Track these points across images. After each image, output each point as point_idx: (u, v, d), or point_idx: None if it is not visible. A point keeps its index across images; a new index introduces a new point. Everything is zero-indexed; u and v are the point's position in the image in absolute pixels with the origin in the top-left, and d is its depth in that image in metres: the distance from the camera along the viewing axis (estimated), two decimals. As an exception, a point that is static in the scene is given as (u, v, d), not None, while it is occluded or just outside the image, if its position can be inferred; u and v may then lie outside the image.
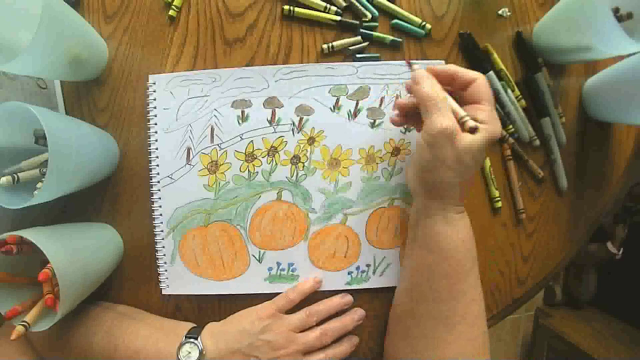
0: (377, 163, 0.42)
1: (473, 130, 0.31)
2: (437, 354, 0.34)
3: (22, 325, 0.32)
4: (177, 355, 0.36)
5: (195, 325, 0.40)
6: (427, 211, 0.35)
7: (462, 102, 0.34)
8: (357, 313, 0.42)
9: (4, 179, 0.33)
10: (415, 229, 0.37)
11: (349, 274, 0.43)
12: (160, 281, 0.42)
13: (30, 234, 0.31)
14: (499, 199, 0.43)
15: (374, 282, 0.43)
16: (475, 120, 0.32)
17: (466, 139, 0.31)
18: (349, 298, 0.42)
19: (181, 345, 0.37)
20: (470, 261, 0.35)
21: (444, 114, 0.31)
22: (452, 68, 0.34)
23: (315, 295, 0.42)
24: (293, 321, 0.39)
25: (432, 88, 0.33)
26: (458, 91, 0.35)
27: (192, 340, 0.37)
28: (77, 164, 0.34)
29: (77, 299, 0.35)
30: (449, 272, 0.34)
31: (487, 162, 0.43)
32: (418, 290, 0.37)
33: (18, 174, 0.34)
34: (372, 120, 0.42)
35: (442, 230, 0.34)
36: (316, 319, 0.40)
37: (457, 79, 0.34)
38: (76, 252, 0.35)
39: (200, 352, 0.36)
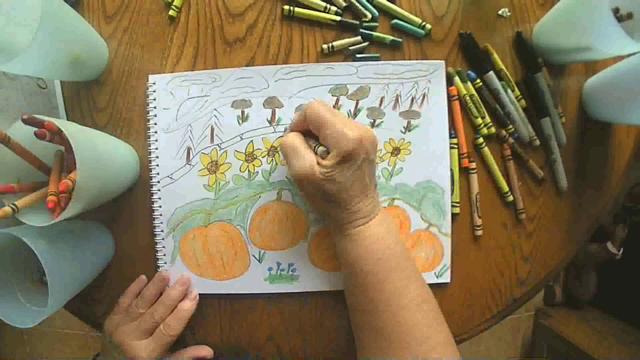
0: (377, 163, 0.42)
1: (325, 155, 0.33)
2: None
3: (11, 207, 0.30)
4: None
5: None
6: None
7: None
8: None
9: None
10: None
11: (349, 274, 0.43)
12: (160, 281, 0.42)
13: (69, 130, 0.29)
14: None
15: (374, 282, 0.43)
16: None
17: (318, 171, 0.33)
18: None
19: None
20: (383, 271, 0.34)
21: (298, 156, 0.34)
22: (295, 119, 0.38)
23: (318, 295, 0.42)
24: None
25: (287, 137, 0.36)
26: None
27: None
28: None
29: (83, 209, 0.33)
30: (363, 283, 0.34)
31: (492, 159, 0.43)
32: (349, 303, 0.38)
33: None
34: (372, 120, 0.42)
35: (343, 246, 0.36)
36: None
37: (302, 125, 0.36)
38: (100, 169, 0.33)
39: None
